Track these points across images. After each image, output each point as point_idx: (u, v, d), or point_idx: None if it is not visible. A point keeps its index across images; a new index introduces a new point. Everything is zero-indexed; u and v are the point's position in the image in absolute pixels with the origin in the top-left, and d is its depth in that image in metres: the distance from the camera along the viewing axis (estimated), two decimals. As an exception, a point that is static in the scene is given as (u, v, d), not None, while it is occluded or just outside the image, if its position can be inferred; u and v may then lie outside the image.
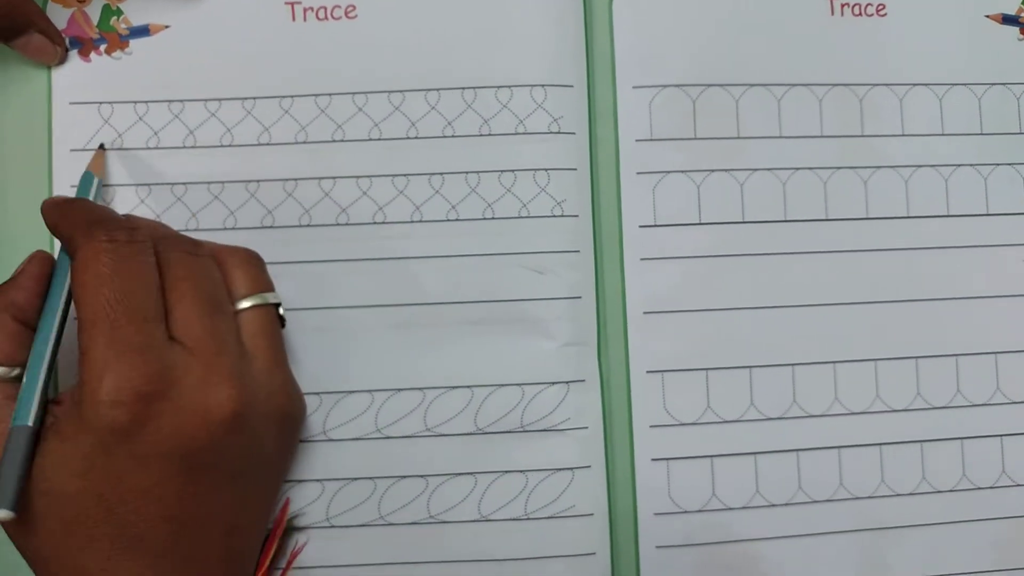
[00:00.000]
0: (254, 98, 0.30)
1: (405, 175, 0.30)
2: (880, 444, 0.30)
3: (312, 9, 0.30)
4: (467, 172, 0.30)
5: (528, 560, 0.29)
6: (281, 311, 0.27)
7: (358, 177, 0.30)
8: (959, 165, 0.32)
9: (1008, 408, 0.31)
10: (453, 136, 0.30)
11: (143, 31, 0.30)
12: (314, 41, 0.30)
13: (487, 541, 0.29)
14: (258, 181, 0.30)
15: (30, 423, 0.23)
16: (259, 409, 0.25)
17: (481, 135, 0.30)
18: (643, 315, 0.30)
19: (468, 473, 0.29)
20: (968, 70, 0.32)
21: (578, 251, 0.30)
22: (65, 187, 0.29)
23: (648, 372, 0.30)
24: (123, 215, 0.26)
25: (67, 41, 0.30)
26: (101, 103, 0.30)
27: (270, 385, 0.26)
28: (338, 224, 0.30)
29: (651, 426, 0.30)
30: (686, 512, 0.29)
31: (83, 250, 0.23)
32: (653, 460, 0.30)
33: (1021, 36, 0.32)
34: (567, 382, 0.29)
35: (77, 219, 0.24)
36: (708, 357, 0.30)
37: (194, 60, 0.30)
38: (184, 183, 0.30)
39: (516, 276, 0.29)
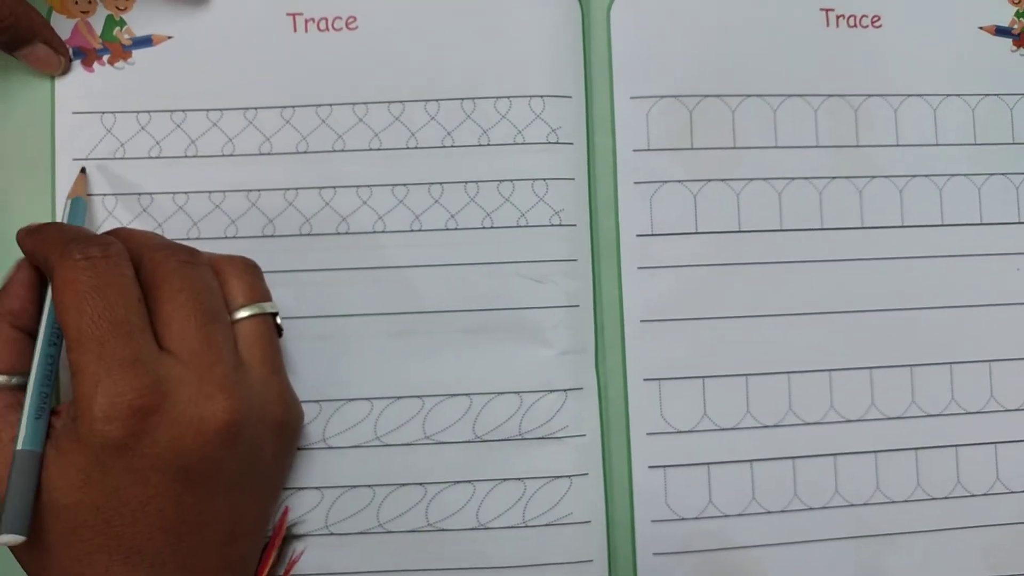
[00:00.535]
0: (255, 108, 0.30)
1: (405, 185, 0.30)
2: (875, 451, 0.31)
3: (313, 20, 0.31)
4: (466, 182, 0.30)
5: (526, 568, 0.29)
6: (279, 320, 0.27)
7: (358, 187, 0.30)
8: (953, 175, 0.32)
9: (1002, 416, 0.31)
10: (452, 146, 0.30)
11: (146, 41, 0.30)
12: (315, 52, 0.30)
13: (485, 549, 0.29)
14: (259, 190, 0.30)
15: (38, 448, 0.23)
16: (255, 419, 0.25)
17: (480, 145, 0.30)
18: (640, 323, 0.30)
19: (466, 481, 0.29)
20: (962, 81, 0.32)
21: (576, 260, 0.30)
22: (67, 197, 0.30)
23: (645, 380, 0.30)
24: (108, 230, 0.26)
25: (70, 51, 0.30)
26: (104, 113, 0.30)
27: (266, 394, 0.26)
28: (338, 233, 0.30)
29: (648, 433, 0.30)
30: (683, 519, 0.30)
31: (59, 270, 0.23)
32: (650, 467, 0.30)
33: (1014, 47, 0.33)
34: (565, 390, 0.30)
35: (51, 240, 0.24)
36: (705, 365, 0.30)
37: (196, 70, 0.30)
38: (186, 192, 0.30)
39: (514, 284, 0.30)
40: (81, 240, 0.24)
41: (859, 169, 0.32)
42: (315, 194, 0.30)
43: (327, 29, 0.31)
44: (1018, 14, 0.33)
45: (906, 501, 0.30)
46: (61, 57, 0.29)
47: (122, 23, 0.30)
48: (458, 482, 0.29)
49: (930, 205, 0.32)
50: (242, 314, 0.26)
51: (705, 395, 0.30)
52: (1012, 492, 0.31)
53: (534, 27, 0.30)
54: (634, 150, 0.31)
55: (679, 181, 0.31)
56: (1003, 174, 0.32)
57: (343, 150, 0.30)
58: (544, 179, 0.30)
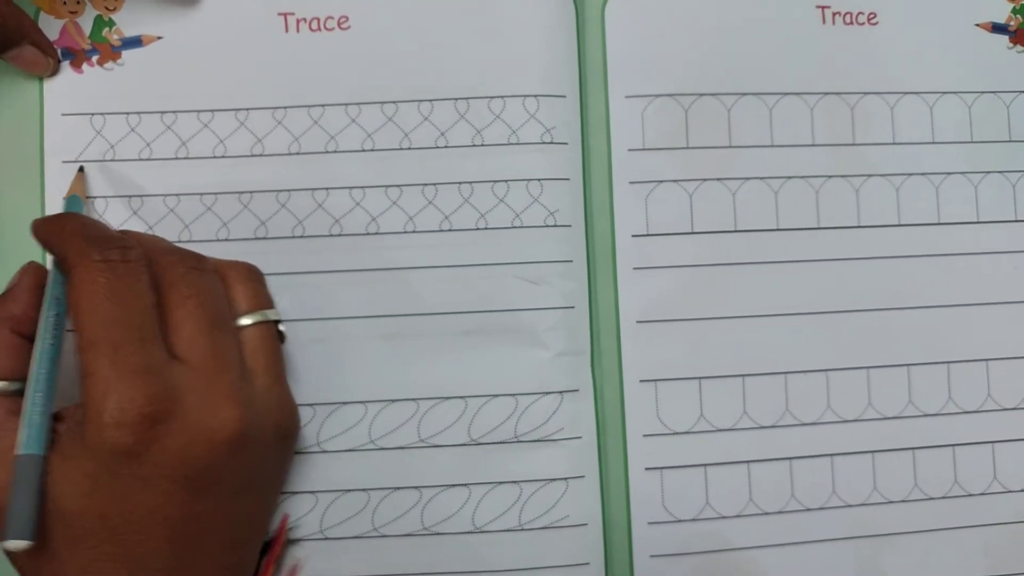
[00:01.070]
0: (247, 109, 0.30)
1: (398, 186, 0.30)
2: (872, 451, 0.30)
3: (305, 20, 0.30)
4: (460, 182, 0.30)
5: (522, 571, 0.29)
6: (281, 327, 0.27)
7: (351, 188, 0.30)
8: (950, 173, 0.32)
9: (999, 415, 0.31)
10: (446, 147, 0.30)
11: (135, 42, 0.30)
12: (307, 52, 0.30)
13: (481, 552, 0.29)
14: (251, 192, 0.30)
15: (41, 452, 0.23)
16: (260, 427, 0.25)
17: (474, 145, 0.30)
18: (636, 324, 0.30)
19: (462, 484, 0.29)
20: (958, 78, 0.32)
21: (571, 261, 0.30)
22: (57, 198, 0.29)
23: (641, 381, 0.30)
24: (119, 231, 0.26)
25: (59, 52, 0.30)
26: (93, 114, 0.30)
27: (270, 402, 0.26)
28: (331, 235, 0.30)
29: (644, 435, 0.30)
30: (680, 521, 0.30)
31: (78, 270, 0.23)
32: (647, 469, 0.30)
33: (1011, 44, 0.33)
34: (561, 392, 0.29)
35: (70, 236, 0.24)
36: (701, 366, 0.30)
37: (187, 71, 0.30)
38: (177, 194, 0.30)
39: (509, 286, 0.29)
40: (102, 240, 0.24)
41: (855, 168, 0.31)
42: (308, 196, 0.30)
43: (319, 29, 0.30)
44: (1015, 11, 0.33)
45: (904, 501, 0.30)
46: (49, 59, 0.29)
47: (111, 24, 0.30)
48: (453, 485, 0.29)
49: (927, 203, 0.32)
50: (246, 321, 0.26)
51: (702, 396, 0.30)
52: (1010, 491, 0.31)
53: (528, 26, 0.30)
54: (629, 150, 0.31)
55: (675, 181, 0.31)
56: (1000, 172, 0.32)
57: (336, 151, 0.30)
58: (539, 179, 0.30)
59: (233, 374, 0.25)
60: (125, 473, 0.23)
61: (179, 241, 0.29)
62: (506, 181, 0.30)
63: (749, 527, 0.30)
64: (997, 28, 0.33)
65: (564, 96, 0.30)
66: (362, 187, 0.30)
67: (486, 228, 0.30)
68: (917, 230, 0.31)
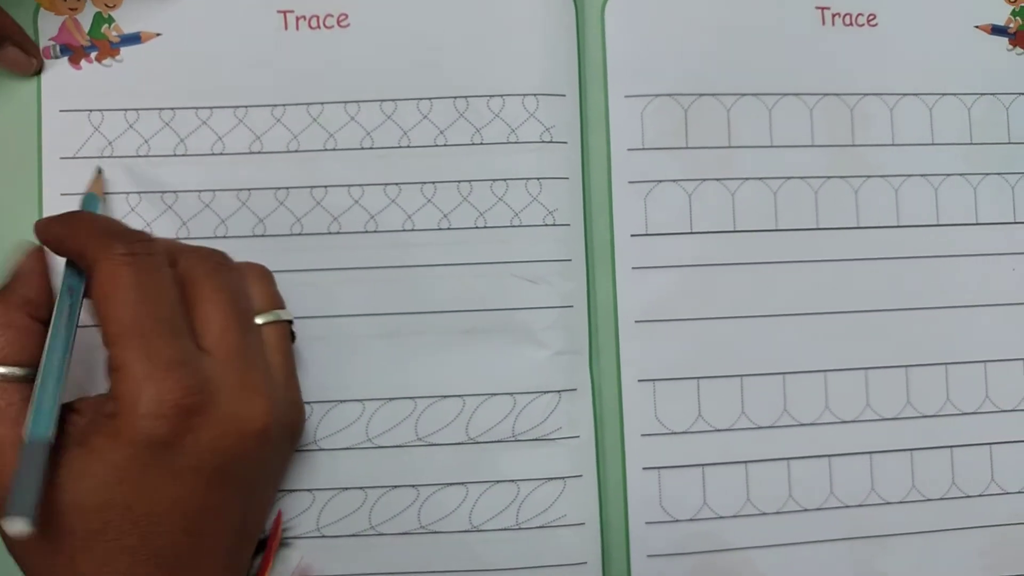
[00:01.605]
0: (246, 106, 0.30)
1: (397, 184, 0.30)
2: (870, 452, 0.30)
3: (304, 18, 0.30)
4: (459, 181, 0.30)
5: (520, 570, 0.28)
6: (293, 328, 0.27)
7: (350, 186, 0.30)
8: (949, 174, 0.32)
9: (997, 416, 0.31)
10: (445, 145, 0.30)
11: (134, 39, 0.30)
12: (306, 50, 0.30)
13: (478, 551, 0.28)
14: (249, 190, 0.30)
15: (48, 437, 0.22)
16: (280, 423, 0.25)
17: (473, 144, 0.30)
18: (635, 324, 0.30)
19: (459, 483, 0.29)
20: (958, 80, 0.32)
21: (570, 260, 0.30)
22: (55, 195, 0.29)
23: (640, 381, 0.30)
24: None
25: (57, 48, 0.30)
26: (91, 111, 0.30)
27: (287, 399, 0.26)
28: (330, 233, 0.29)
29: (642, 435, 0.30)
30: (677, 521, 0.29)
31: (104, 264, 0.23)
32: (644, 469, 0.30)
33: (1010, 46, 0.33)
34: (559, 391, 0.29)
35: (89, 231, 0.24)
36: (699, 366, 0.30)
37: (185, 68, 0.30)
38: (175, 191, 0.29)
39: (508, 285, 0.29)
40: (123, 235, 0.24)
41: (855, 168, 0.31)
42: (306, 193, 0.30)
43: (318, 27, 0.30)
44: (1014, 13, 0.33)
45: (901, 502, 0.30)
46: (32, 59, 0.29)
47: (110, 20, 0.30)
48: (451, 484, 0.29)
49: (926, 205, 0.31)
50: (261, 320, 0.26)
51: (700, 396, 0.30)
52: (1008, 493, 0.31)
53: (528, 25, 0.30)
54: (628, 149, 0.31)
55: (674, 180, 0.31)
56: (999, 174, 0.32)
57: (334, 149, 0.30)
58: (538, 178, 0.30)
59: (260, 369, 0.25)
60: (156, 464, 0.23)
61: (177, 238, 0.29)
62: (505, 180, 0.30)
63: (747, 527, 0.30)
64: (997, 30, 0.33)
65: (564, 95, 0.30)
66: (361, 185, 0.30)
67: (485, 227, 0.30)
68: (916, 231, 0.31)
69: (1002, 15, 0.33)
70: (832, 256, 0.31)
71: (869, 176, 0.31)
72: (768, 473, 0.30)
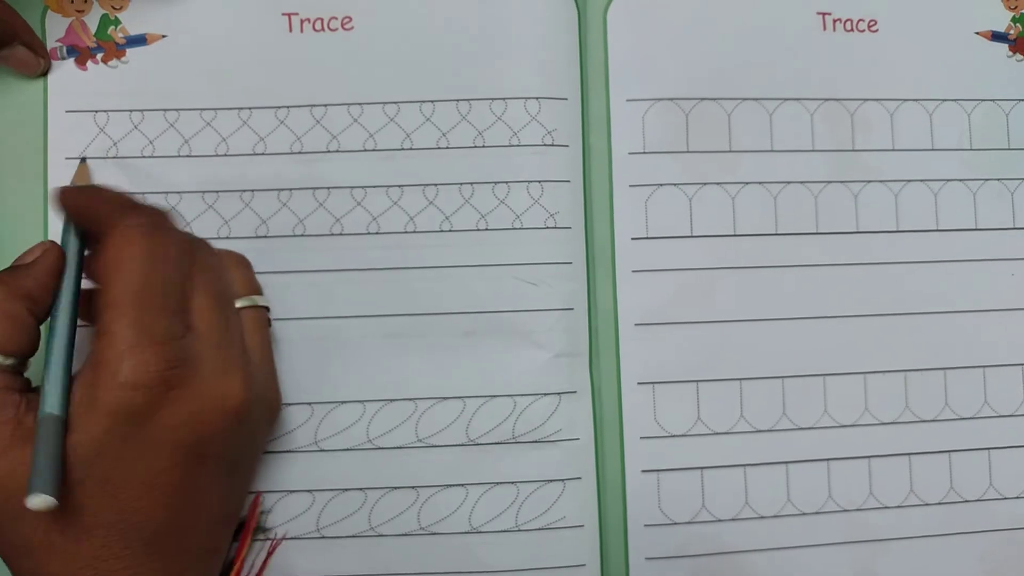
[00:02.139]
0: (249, 108, 0.30)
1: (399, 186, 0.30)
2: (869, 457, 0.30)
3: (309, 20, 0.30)
4: (461, 183, 0.30)
5: (519, 572, 0.29)
6: (269, 314, 0.28)
7: (352, 188, 0.30)
8: (948, 180, 0.32)
9: (996, 421, 0.31)
10: (447, 147, 0.30)
11: (140, 40, 0.30)
12: (310, 52, 0.30)
13: (478, 553, 0.29)
14: (252, 191, 0.30)
15: (63, 412, 0.23)
16: (257, 402, 0.26)
17: (475, 147, 0.30)
18: (635, 327, 0.30)
19: (459, 484, 0.29)
20: (958, 86, 0.32)
21: (571, 263, 0.30)
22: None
23: (639, 384, 0.30)
24: None
25: (64, 50, 0.30)
26: (97, 111, 0.30)
27: (264, 380, 0.27)
28: (332, 234, 0.30)
29: (642, 437, 0.30)
30: (676, 524, 0.30)
31: (120, 230, 0.24)
32: (643, 472, 0.30)
33: (1010, 53, 0.33)
34: (558, 393, 0.29)
35: (108, 201, 0.25)
36: (699, 369, 0.30)
37: (190, 70, 0.30)
38: (179, 192, 0.30)
39: (509, 287, 0.30)
40: (143, 206, 0.25)
41: (855, 173, 0.31)
42: (309, 195, 0.30)
43: (322, 29, 0.30)
44: (1015, 19, 0.33)
45: (900, 507, 0.30)
46: (40, 59, 0.29)
47: (117, 22, 0.30)
48: (451, 486, 0.29)
49: (925, 210, 0.32)
50: (240, 304, 0.27)
51: (699, 399, 0.30)
52: (1006, 498, 0.31)
53: (530, 28, 0.30)
54: (630, 153, 0.31)
55: (675, 184, 0.31)
56: (998, 179, 0.32)
57: (337, 151, 0.30)
58: (539, 181, 0.30)
59: (240, 349, 0.25)
60: (133, 436, 0.23)
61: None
62: (507, 182, 0.30)
63: (745, 531, 0.30)
64: (997, 36, 0.33)
65: (565, 98, 0.30)
66: (363, 187, 0.30)
67: (486, 229, 0.30)
68: (916, 236, 0.32)
69: (1002, 21, 0.33)
70: (832, 261, 0.31)
71: (869, 181, 0.32)
72: (767, 477, 0.30)
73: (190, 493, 0.24)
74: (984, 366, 0.31)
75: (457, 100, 0.30)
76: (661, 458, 0.30)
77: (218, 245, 0.29)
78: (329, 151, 0.30)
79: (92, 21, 0.30)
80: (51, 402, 0.23)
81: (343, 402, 0.29)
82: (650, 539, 0.29)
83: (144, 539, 0.23)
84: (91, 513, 0.23)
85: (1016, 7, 0.33)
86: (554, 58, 0.30)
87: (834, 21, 0.32)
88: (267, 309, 0.28)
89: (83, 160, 0.29)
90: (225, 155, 0.30)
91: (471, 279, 0.30)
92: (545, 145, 0.30)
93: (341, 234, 0.30)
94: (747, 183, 0.31)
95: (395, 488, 0.29)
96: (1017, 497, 0.31)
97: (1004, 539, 0.31)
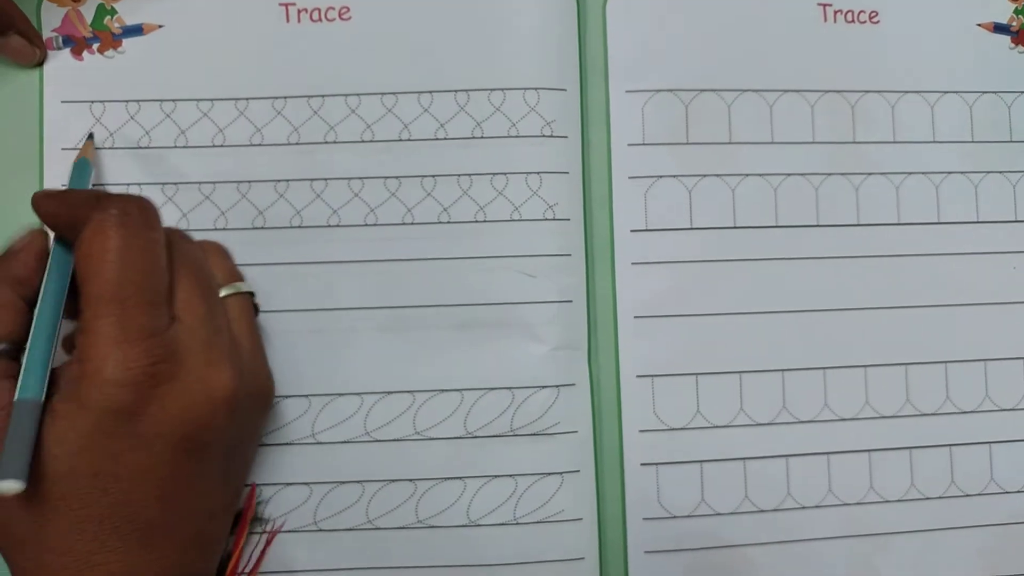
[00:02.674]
0: (247, 99, 0.30)
1: (397, 177, 0.30)
2: (869, 450, 0.30)
3: (306, 10, 0.30)
4: (459, 175, 0.30)
5: (517, 565, 0.28)
6: (255, 300, 0.28)
7: (350, 179, 0.30)
8: (950, 172, 0.32)
9: (997, 415, 0.31)
10: (445, 139, 0.30)
11: (136, 30, 0.30)
12: (308, 42, 0.30)
13: (475, 545, 0.28)
14: (249, 182, 0.30)
15: (39, 397, 0.22)
16: (247, 391, 0.25)
17: (473, 138, 0.30)
18: (634, 319, 0.30)
19: (457, 477, 0.29)
20: (960, 78, 0.32)
21: (569, 255, 0.30)
22: (55, 185, 0.29)
23: (638, 376, 0.30)
24: None
25: (60, 39, 0.30)
26: (93, 102, 0.30)
27: (253, 367, 0.26)
28: (329, 226, 0.29)
29: (641, 431, 0.30)
30: (675, 517, 0.29)
31: (95, 223, 0.23)
32: (642, 465, 0.30)
33: (1012, 44, 0.33)
34: (557, 386, 0.29)
35: (77, 204, 0.24)
36: (698, 362, 0.30)
37: (187, 60, 0.30)
38: (175, 183, 0.29)
39: (507, 279, 0.29)
40: (117, 198, 0.24)
41: (855, 166, 0.31)
42: (306, 186, 0.30)
43: (320, 19, 0.30)
44: (1017, 11, 0.33)
45: (900, 501, 0.30)
46: (36, 48, 0.29)
47: (113, 12, 0.30)
48: (448, 478, 0.29)
49: (926, 202, 0.31)
50: (223, 292, 0.26)
51: (698, 392, 0.30)
52: (1006, 492, 0.31)
53: (529, 19, 0.30)
54: (629, 144, 0.31)
55: (674, 176, 0.31)
56: (1000, 172, 0.32)
57: (335, 142, 0.30)
58: (538, 173, 0.30)
59: (226, 338, 0.25)
60: (122, 431, 0.23)
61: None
62: (505, 174, 0.30)
63: (744, 524, 0.30)
64: (999, 28, 0.32)
65: (564, 90, 0.30)
66: (361, 178, 0.30)
67: (485, 221, 0.30)
68: (916, 229, 0.31)
69: (1005, 13, 0.33)
70: (832, 253, 0.31)
71: (870, 173, 0.31)
72: (766, 470, 0.30)
73: (184, 485, 0.24)
74: (985, 359, 0.31)
75: (455, 91, 0.30)
76: (660, 451, 0.30)
77: (215, 236, 0.29)
78: (327, 142, 0.30)
79: (88, 11, 0.30)
80: (26, 386, 0.22)
81: (340, 394, 0.29)
82: (649, 532, 0.29)
83: (138, 532, 0.23)
84: (81, 506, 0.23)
85: (1018, -2, 0.33)
86: (553, 49, 0.30)
87: (835, 12, 0.32)
88: (252, 295, 0.27)
89: (90, 136, 0.29)
90: (222, 146, 0.30)
91: (469, 271, 0.29)
92: (544, 136, 0.30)
93: (339, 225, 0.29)
94: (747, 175, 0.31)
95: (393, 481, 0.29)
96: (1018, 491, 0.31)
97: (1005, 533, 0.31)
